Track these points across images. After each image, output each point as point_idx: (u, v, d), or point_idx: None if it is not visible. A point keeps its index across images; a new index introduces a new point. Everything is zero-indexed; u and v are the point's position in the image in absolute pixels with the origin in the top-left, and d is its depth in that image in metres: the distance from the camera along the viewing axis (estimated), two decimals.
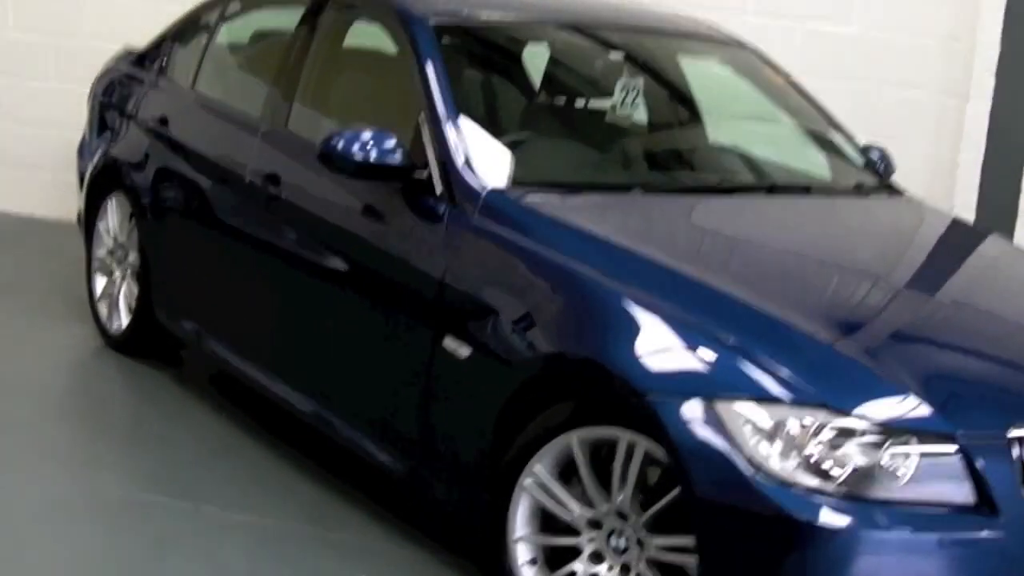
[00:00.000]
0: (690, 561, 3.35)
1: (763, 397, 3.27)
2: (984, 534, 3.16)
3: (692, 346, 3.42)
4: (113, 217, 5.86)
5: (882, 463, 3.17)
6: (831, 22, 7.21)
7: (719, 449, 3.27)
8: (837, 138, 5.11)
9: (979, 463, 3.18)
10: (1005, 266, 4.46)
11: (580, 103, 4.99)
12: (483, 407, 3.81)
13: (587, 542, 3.59)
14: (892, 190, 4.93)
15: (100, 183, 5.94)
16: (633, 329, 3.52)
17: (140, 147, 5.63)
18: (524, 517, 3.67)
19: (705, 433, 3.30)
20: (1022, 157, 6.74)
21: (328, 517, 4.47)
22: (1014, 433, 3.25)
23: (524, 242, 3.88)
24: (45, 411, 5.34)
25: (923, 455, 3.18)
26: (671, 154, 4.87)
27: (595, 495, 3.55)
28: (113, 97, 6.14)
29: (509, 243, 3.90)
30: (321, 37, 4.92)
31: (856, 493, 3.15)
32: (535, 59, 4.94)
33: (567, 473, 3.66)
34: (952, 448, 3.19)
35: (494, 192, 4.05)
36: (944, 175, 7.04)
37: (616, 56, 5.00)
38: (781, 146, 5.03)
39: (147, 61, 6.02)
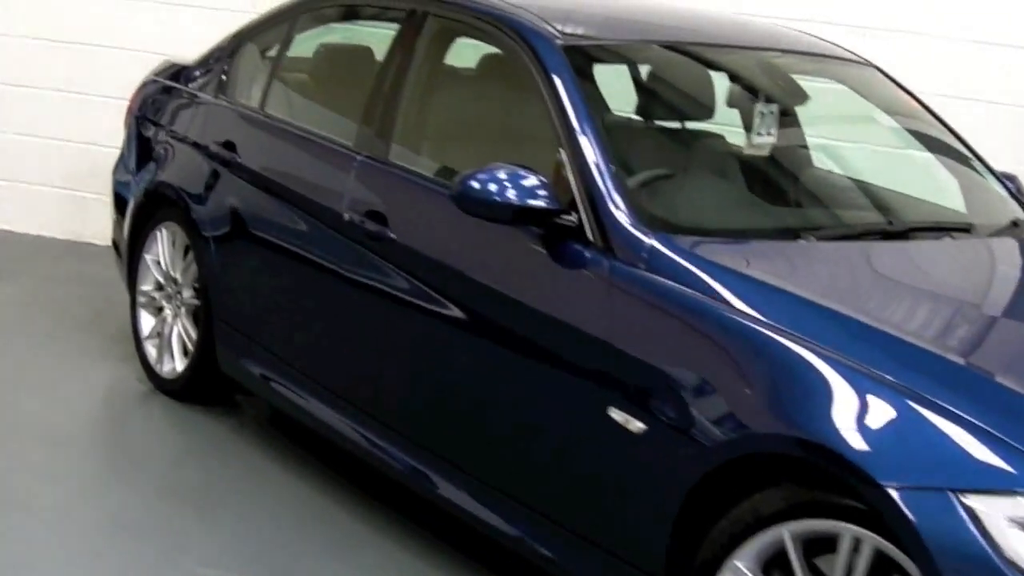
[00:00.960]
0: None
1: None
2: None
3: (933, 426, 2.96)
4: (164, 249, 5.32)
5: None
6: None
7: (973, 550, 2.81)
8: (977, 165, 4.65)
9: None
10: None
11: (718, 132, 4.49)
12: (662, 492, 3.33)
13: None
14: None
15: (147, 211, 5.38)
16: (856, 405, 3.05)
17: (200, 174, 5.08)
18: None
19: (955, 531, 2.82)
20: None
21: None
22: None
23: (702, 299, 3.39)
24: (96, 467, 4.84)
25: None
26: (822, 191, 4.40)
27: None
28: (157, 115, 5.58)
29: (684, 300, 3.42)
30: (422, 56, 4.40)
31: None
32: (662, 83, 4.44)
33: (769, 568, 3.18)
34: None
35: (660, 240, 3.55)
36: None
37: (748, 79, 4.52)
38: (924, 177, 4.57)
39: (196, 77, 5.46)
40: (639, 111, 4.43)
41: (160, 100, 5.68)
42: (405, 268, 4.11)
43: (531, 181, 3.64)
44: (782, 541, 3.11)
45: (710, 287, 3.42)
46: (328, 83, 5.12)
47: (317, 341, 4.54)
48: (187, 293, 5.24)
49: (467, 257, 3.96)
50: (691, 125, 4.55)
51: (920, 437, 2.96)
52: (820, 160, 4.67)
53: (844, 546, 3.04)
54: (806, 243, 3.79)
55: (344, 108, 4.77)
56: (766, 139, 4.32)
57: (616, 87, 4.28)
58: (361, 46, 4.91)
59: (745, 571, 3.17)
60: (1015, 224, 4.40)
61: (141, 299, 5.48)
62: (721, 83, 4.45)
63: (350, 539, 4.33)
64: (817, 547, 3.09)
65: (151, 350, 5.42)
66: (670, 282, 3.45)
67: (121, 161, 5.80)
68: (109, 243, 7.53)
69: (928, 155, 4.69)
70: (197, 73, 5.48)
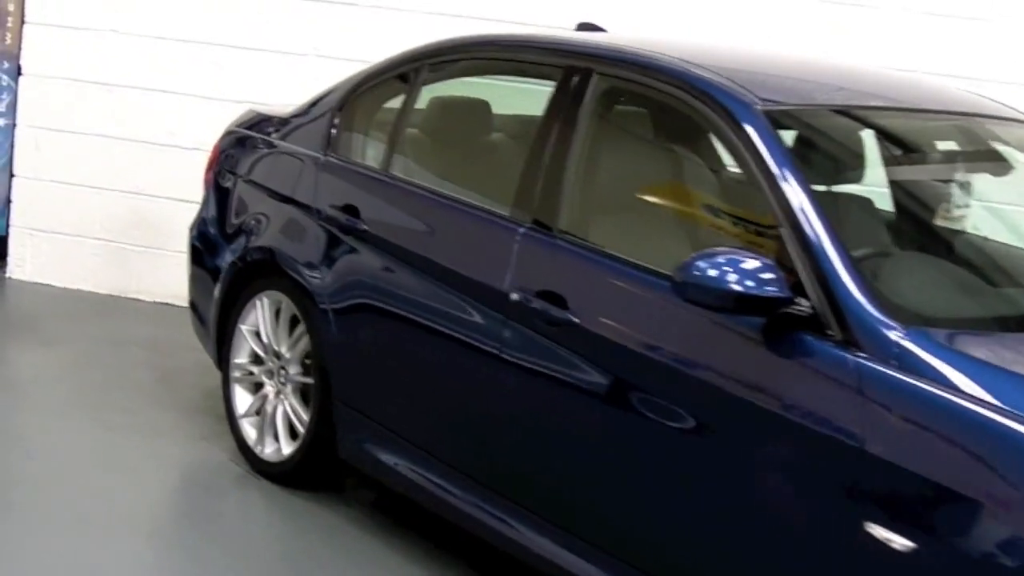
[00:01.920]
0: None
1: None
2: None
3: None
4: (265, 320, 4.86)
5: None
6: None
7: None
8: None
9: None
10: None
11: (932, 206, 4.10)
12: None
13: None
14: None
15: (244, 277, 4.92)
16: None
17: (313, 240, 4.65)
18: None
19: None
20: None
21: None
22: None
23: (975, 407, 2.99)
24: (195, 560, 4.37)
25: None
26: None
27: None
28: (248, 171, 5.14)
29: (954, 408, 3.01)
30: (589, 118, 3.98)
31: None
32: (868, 151, 4.04)
33: None
34: None
35: (913, 335, 3.15)
36: None
37: (948, 146, 4.14)
38: None
39: (293, 130, 5.02)
40: (837, 180, 4.02)
41: (250, 154, 5.24)
42: (592, 355, 3.70)
43: (759, 267, 3.24)
44: None
45: (978, 391, 3.02)
46: (466, 143, 4.71)
47: (470, 429, 4.11)
48: (294, 369, 4.79)
49: (669, 346, 3.55)
50: (891, 195, 4.15)
51: None
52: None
53: None
54: None
55: (492, 172, 4.37)
56: (963, 211, 3.95)
57: (812, 155, 3.87)
58: (493, 97, 4.51)
59: None
60: None
61: (235, 373, 5.02)
62: (918, 149, 4.06)
63: None
64: None
65: (249, 430, 4.97)
66: (934, 388, 3.06)
67: (203, 218, 5.33)
68: (155, 299, 7.17)
69: None
70: (294, 127, 5.03)
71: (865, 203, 4.03)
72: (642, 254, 3.70)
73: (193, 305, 5.42)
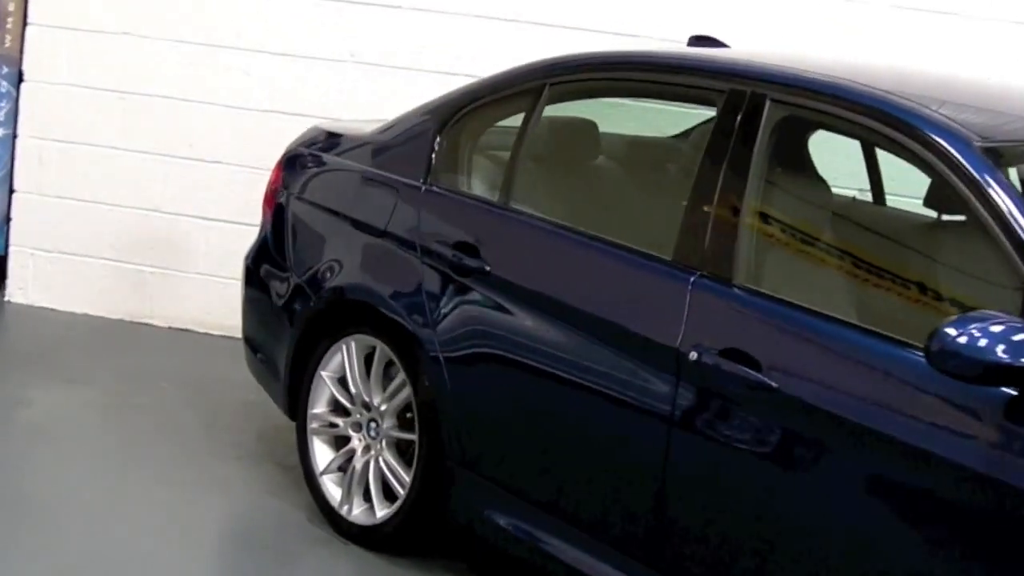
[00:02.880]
0: None
1: None
2: None
3: None
4: (352, 366, 4.34)
5: None
6: None
7: None
8: None
9: None
10: None
11: None
12: None
13: None
14: None
15: (328, 318, 4.40)
16: None
17: (417, 279, 4.16)
18: None
19: None
20: None
21: None
22: None
23: None
24: None
25: None
26: None
27: None
28: (323, 198, 4.64)
29: None
30: (764, 151, 3.51)
31: None
32: None
33: None
34: None
35: None
36: None
37: None
38: None
39: (378, 154, 4.51)
40: None
41: (322, 178, 4.71)
42: (791, 424, 3.23)
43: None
44: None
45: None
46: (606, 175, 4.21)
47: (629, 496, 3.63)
48: (389, 422, 4.27)
49: (896, 419, 3.08)
50: None
51: None
52: None
53: None
54: None
55: (639, 208, 3.89)
56: None
57: None
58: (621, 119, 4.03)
59: None
60: None
61: (313, 424, 4.50)
62: None
63: None
64: None
65: (331, 488, 4.45)
66: None
67: (264, 247, 4.80)
68: (170, 325, 6.60)
69: None
70: (378, 149, 4.51)
71: None
72: (852, 312, 3.24)
73: (251, 341, 4.88)
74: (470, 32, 6.25)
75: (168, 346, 6.36)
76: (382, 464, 4.30)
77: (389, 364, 4.28)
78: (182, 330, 6.60)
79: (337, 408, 4.48)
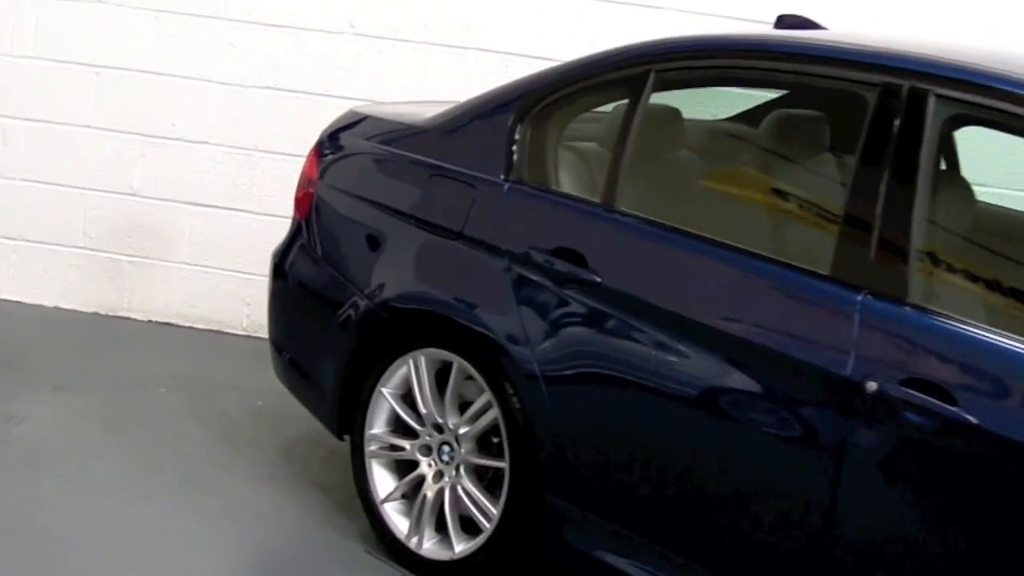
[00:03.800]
0: None
1: None
2: None
3: None
4: (423, 384, 3.89)
5: None
6: None
7: None
8: None
9: None
10: None
11: None
12: None
13: None
14: None
15: (393, 329, 3.94)
16: None
17: (506, 289, 3.72)
18: None
19: None
20: None
21: None
22: None
23: None
24: None
25: None
26: None
27: None
28: (374, 192, 4.16)
29: None
30: (931, 155, 3.12)
31: None
32: None
33: None
34: None
35: None
36: None
37: None
38: None
39: (439, 144, 4.03)
40: None
41: (373, 171, 4.24)
42: (994, 465, 2.85)
43: None
44: None
45: None
46: (734, 174, 3.78)
47: (779, 543, 3.23)
48: (467, 448, 3.83)
49: None
50: None
51: None
52: None
53: None
54: None
55: (780, 212, 3.47)
56: None
57: None
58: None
59: None
60: None
61: (372, 446, 4.04)
62: None
63: None
64: None
65: (397, 519, 4.01)
66: None
67: (302, 245, 4.32)
68: (150, 319, 6.08)
69: None
70: (440, 138, 4.04)
71: None
72: None
73: (283, 348, 4.41)
74: (478, 4, 5.78)
75: (153, 343, 5.84)
76: (461, 493, 3.85)
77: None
78: (163, 324, 6.10)
79: (398, 428, 4.02)
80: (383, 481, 4.05)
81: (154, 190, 6.00)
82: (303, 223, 4.37)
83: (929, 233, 3.13)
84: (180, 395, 5.21)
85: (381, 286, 4.02)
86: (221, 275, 6.02)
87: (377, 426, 4.05)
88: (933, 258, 3.15)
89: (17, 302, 6.07)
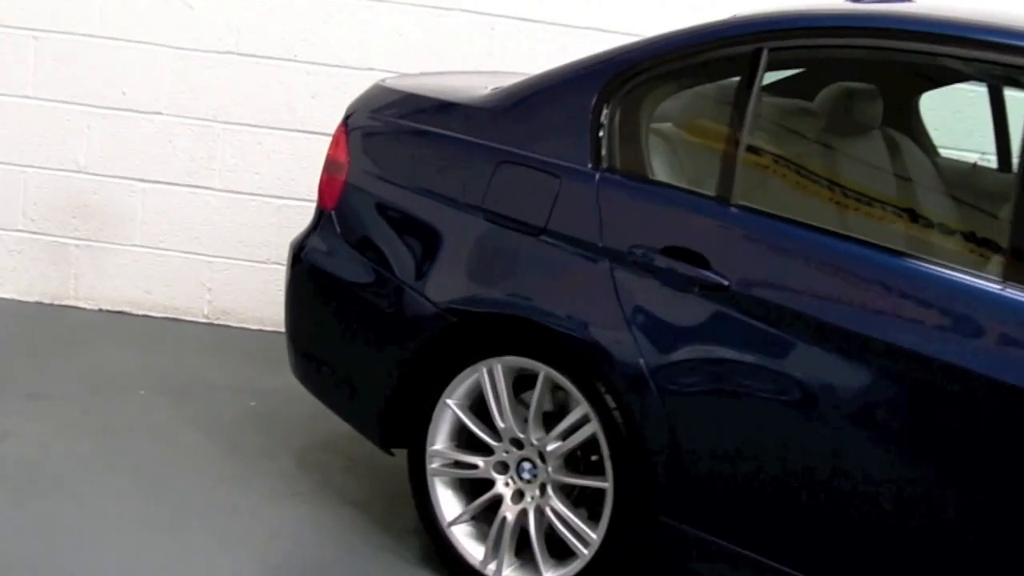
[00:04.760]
0: None
1: None
2: None
3: None
4: (501, 396, 3.51)
5: None
6: None
7: None
8: None
9: None
10: None
11: None
12: None
13: None
14: None
15: (461, 334, 3.55)
16: None
17: (610, 292, 3.34)
18: None
19: None
20: None
21: None
22: None
23: None
24: None
25: None
26: None
27: None
28: (434, 183, 3.73)
29: None
30: None
31: None
32: None
33: None
34: None
35: None
36: None
37: None
38: None
39: (501, 125, 3.63)
40: None
41: (422, 157, 3.81)
42: None
43: None
44: None
45: None
46: (868, 162, 3.45)
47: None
48: (554, 464, 3.47)
49: None
50: None
51: None
52: None
53: None
54: None
55: (933, 209, 3.17)
56: None
57: None
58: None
59: None
60: None
61: (434, 463, 3.65)
62: None
63: None
64: None
65: (468, 544, 3.63)
66: None
67: (336, 238, 3.87)
68: (100, 307, 5.56)
69: None
70: (507, 122, 3.64)
71: None
72: None
73: (308, 350, 4.00)
74: None
75: (110, 335, 5.35)
76: (551, 515, 3.48)
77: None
78: (115, 313, 5.58)
79: (462, 443, 3.64)
80: (448, 502, 3.67)
81: (102, 166, 5.46)
82: (333, 214, 3.93)
83: None
84: (163, 397, 4.74)
85: (444, 287, 3.61)
86: (179, 258, 5.53)
87: (440, 441, 3.67)
88: None
89: None
